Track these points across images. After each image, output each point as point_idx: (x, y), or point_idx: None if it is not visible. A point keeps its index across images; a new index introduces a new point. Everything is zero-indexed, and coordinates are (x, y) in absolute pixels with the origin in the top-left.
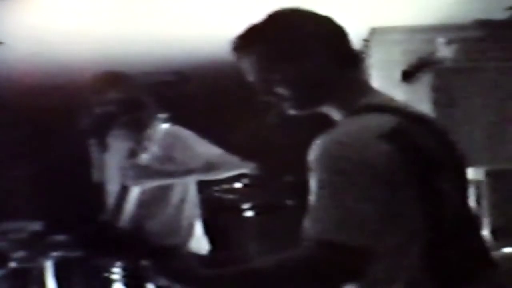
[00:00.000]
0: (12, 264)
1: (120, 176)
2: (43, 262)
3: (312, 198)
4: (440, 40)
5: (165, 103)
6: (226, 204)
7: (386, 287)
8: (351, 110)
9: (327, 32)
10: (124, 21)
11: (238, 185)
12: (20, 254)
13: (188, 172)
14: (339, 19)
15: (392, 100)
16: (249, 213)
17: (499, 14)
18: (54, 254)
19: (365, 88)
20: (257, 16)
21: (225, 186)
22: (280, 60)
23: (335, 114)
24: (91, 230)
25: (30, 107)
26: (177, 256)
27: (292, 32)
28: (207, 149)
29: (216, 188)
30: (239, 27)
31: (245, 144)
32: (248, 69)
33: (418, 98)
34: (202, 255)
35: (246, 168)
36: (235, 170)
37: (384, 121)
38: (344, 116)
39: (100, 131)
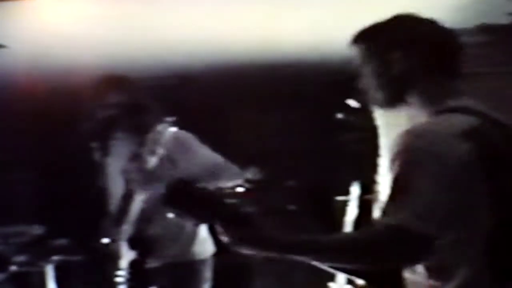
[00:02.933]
0: (13, 268)
1: (124, 179)
2: (44, 266)
3: (389, 186)
4: None
5: (167, 106)
6: None
7: (447, 276)
8: (436, 111)
9: (434, 39)
10: (126, 25)
11: (240, 189)
12: (21, 258)
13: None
14: (346, 22)
15: (476, 104)
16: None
17: (502, 19)
18: (55, 258)
19: (454, 92)
20: (256, 22)
21: (227, 190)
22: (384, 55)
23: (420, 114)
24: (170, 187)
25: (32, 111)
26: (253, 220)
27: (403, 33)
28: (209, 157)
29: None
30: (241, 32)
31: (247, 149)
32: (358, 58)
33: None
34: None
35: (245, 177)
36: (235, 179)
37: (465, 121)
38: (428, 116)
39: (103, 135)
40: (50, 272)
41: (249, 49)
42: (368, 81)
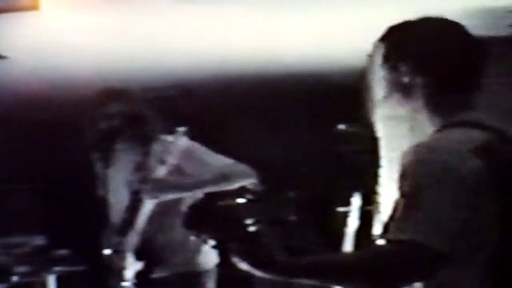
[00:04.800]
0: (15, 278)
1: (133, 189)
2: (46, 277)
3: (397, 201)
4: None
5: (168, 117)
6: None
7: None
8: (445, 124)
9: (460, 53)
10: (128, 36)
11: (241, 200)
12: (22, 268)
13: (202, 184)
14: (345, 34)
15: (487, 117)
16: (252, 229)
17: (502, 31)
18: (57, 268)
19: (465, 105)
20: (258, 33)
21: (229, 202)
22: (401, 58)
23: (426, 126)
24: (190, 209)
25: (34, 121)
26: (262, 242)
27: (426, 42)
28: (217, 160)
29: (220, 203)
30: (243, 43)
31: (247, 160)
32: (378, 56)
33: None
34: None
35: (256, 178)
36: (247, 180)
37: (476, 136)
38: (435, 130)
39: (104, 145)
40: (52, 283)
41: (251, 60)
42: (377, 84)
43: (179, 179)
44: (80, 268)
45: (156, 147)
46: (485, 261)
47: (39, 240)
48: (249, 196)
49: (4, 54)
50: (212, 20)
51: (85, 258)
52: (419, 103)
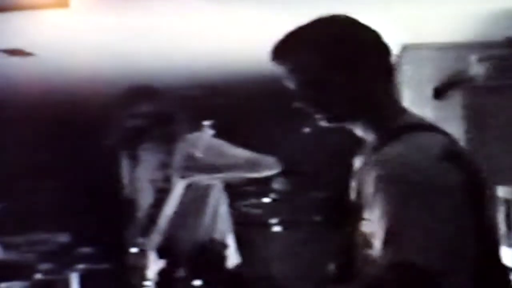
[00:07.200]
0: (38, 276)
1: (153, 188)
2: (69, 274)
3: (380, 220)
4: (472, 57)
5: (194, 116)
6: (254, 218)
7: None
8: (389, 130)
9: (375, 44)
10: (153, 35)
11: (266, 200)
12: (46, 265)
13: (234, 167)
14: None
15: (424, 118)
16: (276, 228)
17: None
18: (80, 266)
19: (399, 106)
20: (284, 30)
21: (253, 201)
22: (322, 70)
23: (368, 132)
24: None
25: (60, 119)
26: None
27: (340, 41)
28: (241, 152)
29: (245, 202)
30: (267, 41)
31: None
32: (288, 76)
33: (449, 116)
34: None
35: (280, 168)
36: (272, 169)
37: (437, 141)
38: (379, 136)
39: (131, 144)
40: (75, 280)
41: None
42: (308, 98)
43: (213, 160)
44: (104, 266)
45: (180, 146)
46: (467, 271)
47: (63, 238)
48: (274, 196)
49: (31, 51)
50: (238, 19)
51: (108, 256)
52: (360, 110)
